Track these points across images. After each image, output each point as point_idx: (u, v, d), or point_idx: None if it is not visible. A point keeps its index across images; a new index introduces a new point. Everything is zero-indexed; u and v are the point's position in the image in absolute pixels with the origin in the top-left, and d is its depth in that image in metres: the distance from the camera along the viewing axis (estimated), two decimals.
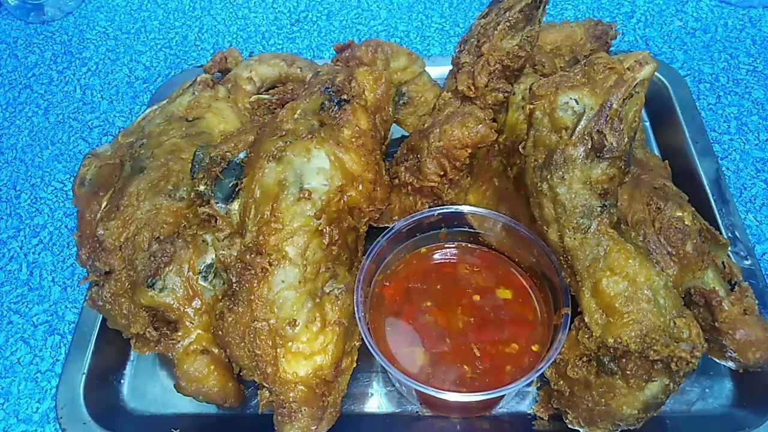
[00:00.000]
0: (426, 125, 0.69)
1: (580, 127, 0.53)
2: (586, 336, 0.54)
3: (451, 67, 0.75)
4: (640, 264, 0.52)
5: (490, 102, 0.67)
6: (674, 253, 0.59)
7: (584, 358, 0.55)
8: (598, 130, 0.52)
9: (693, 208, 0.62)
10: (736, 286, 0.59)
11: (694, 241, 0.59)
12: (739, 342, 0.56)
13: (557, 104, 0.54)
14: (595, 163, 0.53)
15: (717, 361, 0.60)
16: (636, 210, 0.62)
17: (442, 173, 0.67)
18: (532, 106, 0.55)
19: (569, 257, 0.55)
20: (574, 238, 0.54)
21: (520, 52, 0.64)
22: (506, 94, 0.67)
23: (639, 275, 0.52)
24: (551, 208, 0.55)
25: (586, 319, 0.54)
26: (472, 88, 0.66)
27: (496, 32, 0.65)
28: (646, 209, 0.61)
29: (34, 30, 1.18)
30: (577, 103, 0.53)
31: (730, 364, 0.59)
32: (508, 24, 0.65)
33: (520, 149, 0.58)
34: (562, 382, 0.58)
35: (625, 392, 0.53)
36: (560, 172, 0.53)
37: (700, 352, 0.50)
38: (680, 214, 0.60)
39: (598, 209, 0.54)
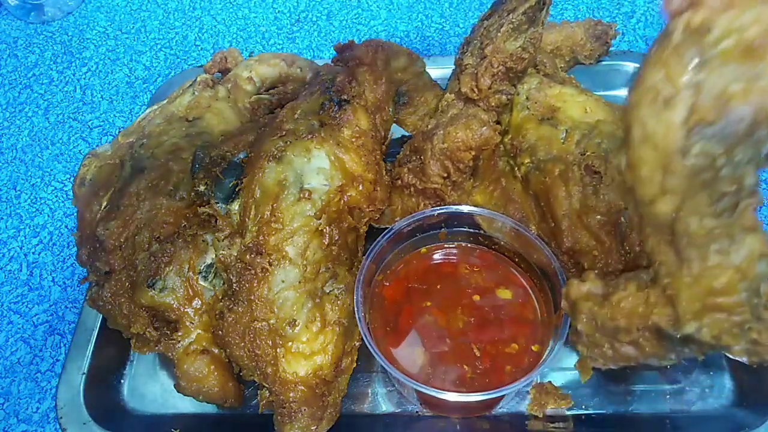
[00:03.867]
0: (429, 127, 0.69)
1: None
2: (665, 318, 0.48)
3: (452, 68, 0.75)
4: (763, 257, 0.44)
5: (493, 104, 0.67)
6: None
7: (646, 332, 0.50)
8: None
9: None
10: None
11: None
12: None
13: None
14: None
15: (729, 356, 0.60)
16: None
17: (446, 175, 0.67)
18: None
19: (682, 239, 0.45)
20: (702, 225, 0.43)
21: (523, 54, 0.64)
22: (509, 96, 0.67)
23: (752, 269, 0.44)
24: (687, 178, 0.42)
25: (680, 309, 0.47)
26: (476, 90, 0.66)
27: (499, 34, 0.65)
28: None
29: (34, 30, 1.18)
30: None
31: (744, 359, 0.59)
32: (511, 26, 0.65)
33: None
34: (598, 335, 0.53)
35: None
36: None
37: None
38: None
39: (751, 188, 0.42)
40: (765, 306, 0.46)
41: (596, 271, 0.57)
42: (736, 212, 0.43)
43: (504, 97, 0.66)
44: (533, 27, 0.65)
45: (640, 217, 0.48)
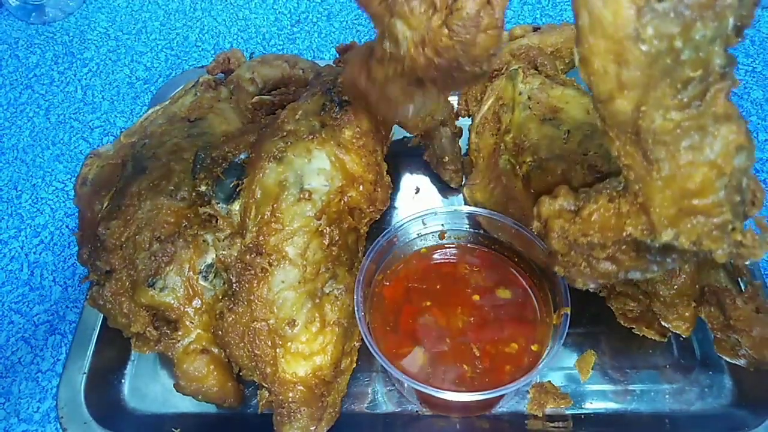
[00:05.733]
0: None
1: None
2: (639, 228, 0.43)
3: None
4: (747, 152, 0.39)
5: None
6: None
7: (623, 245, 0.46)
8: None
9: None
10: (748, 285, 0.60)
11: None
12: (755, 339, 0.56)
13: None
14: None
15: (728, 359, 0.60)
16: None
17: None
18: None
19: (647, 137, 0.39)
20: (668, 118, 0.37)
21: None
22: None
23: (729, 163, 0.39)
24: (645, 67, 0.36)
25: (654, 216, 0.42)
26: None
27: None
28: None
29: (35, 31, 1.18)
30: None
31: (741, 362, 0.60)
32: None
33: None
34: (573, 254, 0.49)
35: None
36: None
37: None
38: None
39: (721, 70, 0.36)
40: (750, 202, 0.42)
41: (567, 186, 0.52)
42: (705, 100, 0.37)
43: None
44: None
45: (602, 119, 0.42)
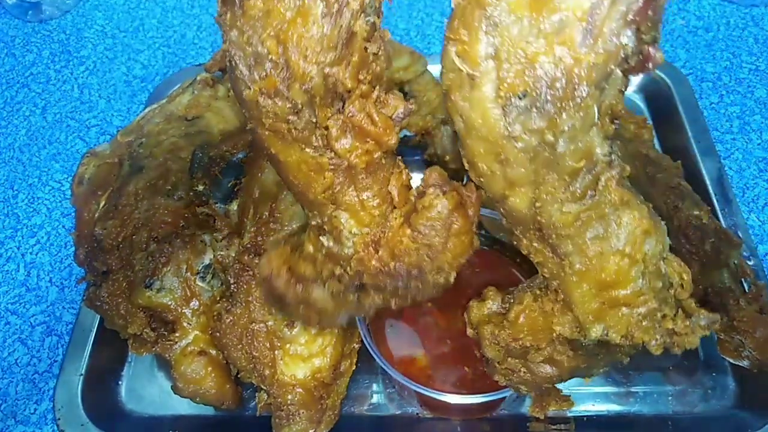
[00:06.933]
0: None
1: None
2: (567, 326, 0.42)
3: None
4: (656, 237, 0.38)
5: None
6: (694, 251, 0.58)
7: (557, 345, 0.44)
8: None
9: (708, 207, 0.62)
10: (752, 286, 0.59)
11: (712, 239, 0.59)
12: (758, 340, 0.56)
13: None
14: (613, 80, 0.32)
15: (731, 360, 0.60)
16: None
17: None
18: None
19: (550, 232, 0.37)
20: (565, 212, 0.36)
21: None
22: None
23: (639, 250, 0.38)
24: (527, 163, 0.35)
25: (578, 313, 0.40)
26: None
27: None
28: (663, 207, 0.60)
29: (31, 29, 1.17)
30: None
31: (745, 363, 0.59)
32: None
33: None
34: (511, 360, 0.47)
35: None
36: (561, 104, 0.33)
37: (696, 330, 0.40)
38: (698, 212, 0.60)
39: (606, 158, 0.35)
40: (678, 284, 0.39)
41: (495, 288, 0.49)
42: (598, 190, 0.35)
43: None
44: None
45: (504, 218, 0.40)
